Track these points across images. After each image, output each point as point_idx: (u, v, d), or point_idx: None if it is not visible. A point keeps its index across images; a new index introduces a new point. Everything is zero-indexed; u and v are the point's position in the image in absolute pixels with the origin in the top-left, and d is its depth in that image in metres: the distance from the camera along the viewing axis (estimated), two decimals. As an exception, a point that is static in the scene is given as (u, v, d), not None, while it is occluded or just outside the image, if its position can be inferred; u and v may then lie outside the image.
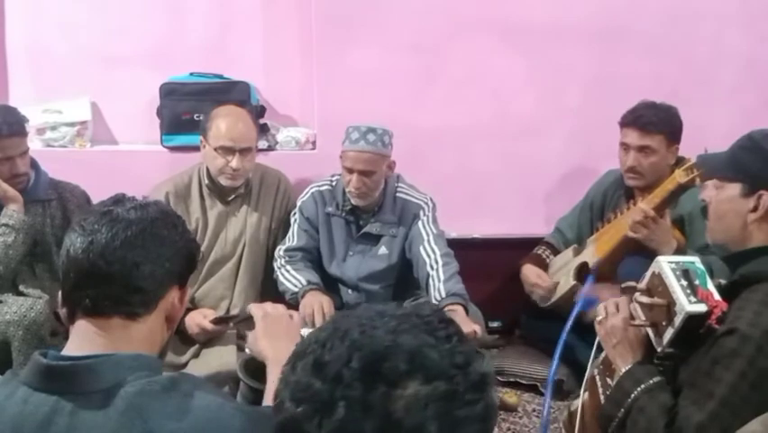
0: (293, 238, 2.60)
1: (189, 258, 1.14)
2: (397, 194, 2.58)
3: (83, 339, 1.06)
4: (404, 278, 2.62)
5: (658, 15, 3.02)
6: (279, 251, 2.59)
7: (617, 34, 3.02)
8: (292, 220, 2.63)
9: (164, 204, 1.18)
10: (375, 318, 0.77)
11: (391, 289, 2.62)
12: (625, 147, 2.58)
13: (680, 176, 2.35)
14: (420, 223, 2.53)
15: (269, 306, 1.40)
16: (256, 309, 1.38)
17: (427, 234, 2.50)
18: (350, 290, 2.63)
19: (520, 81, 3.06)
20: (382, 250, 2.58)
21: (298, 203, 2.63)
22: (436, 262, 2.44)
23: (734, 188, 1.51)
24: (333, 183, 2.62)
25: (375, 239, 2.58)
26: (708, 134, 2.58)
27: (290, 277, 2.51)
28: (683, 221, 2.53)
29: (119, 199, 1.12)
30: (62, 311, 1.10)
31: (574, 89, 3.08)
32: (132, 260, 1.05)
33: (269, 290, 2.63)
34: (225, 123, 2.46)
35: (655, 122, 2.52)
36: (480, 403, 0.74)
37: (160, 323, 1.11)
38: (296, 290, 2.46)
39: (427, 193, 2.63)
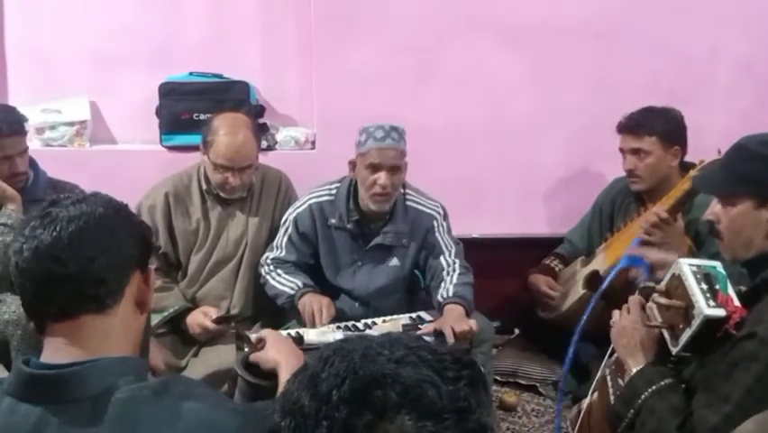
0: (281, 250, 2.46)
1: (143, 241, 1.11)
2: (407, 202, 2.46)
3: (59, 347, 1.03)
4: (411, 291, 2.56)
5: (655, 16, 3.03)
6: (267, 258, 2.48)
7: (614, 35, 3.03)
8: (282, 230, 2.48)
9: (102, 194, 1.12)
10: (385, 345, 0.73)
11: (400, 302, 2.52)
12: (622, 152, 2.60)
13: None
14: (437, 235, 2.45)
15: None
16: (267, 331, 1.49)
17: (448, 248, 2.44)
18: (356, 304, 2.49)
19: (518, 81, 3.06)
20: (394, 261, 2.47)
21: (293, 214, 2.47)
22: (454, 271, 2.39)
23: (745, 203, 1.49)
24: (334, 193, 2.46)
25: (387, 250, 2.46)
26: (705, 135, 2.61)
27: (283, 280, 2.42)
28: (698, 226, 2.49)
29: (55, 200, 1.07)
30: (31, 326, 1.07)
31: (572, 89, 3.08)
32: (84, 255, 1.01)
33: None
34: (225, 141, 2.39)
35: (645, 124, 2.52)
36: None
37: (132, 310, 1.09)
38: (291, 292, 2.38)
39: (433, 197, 2.53)
